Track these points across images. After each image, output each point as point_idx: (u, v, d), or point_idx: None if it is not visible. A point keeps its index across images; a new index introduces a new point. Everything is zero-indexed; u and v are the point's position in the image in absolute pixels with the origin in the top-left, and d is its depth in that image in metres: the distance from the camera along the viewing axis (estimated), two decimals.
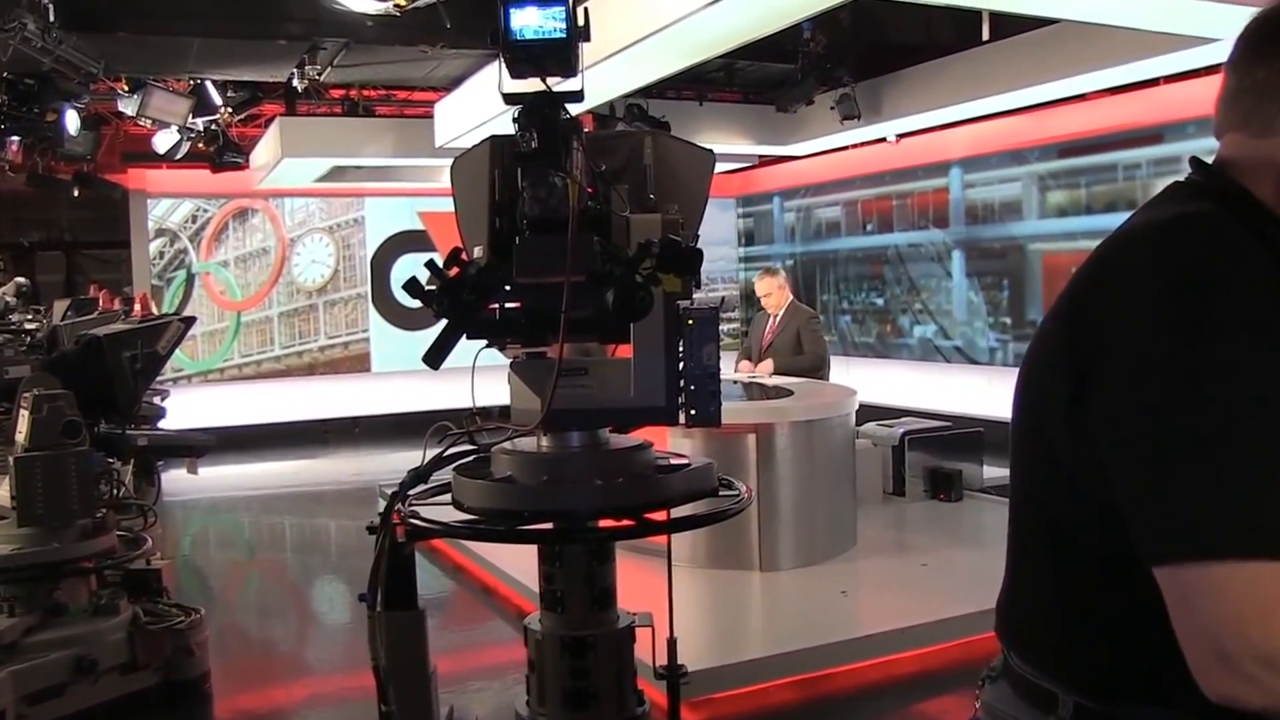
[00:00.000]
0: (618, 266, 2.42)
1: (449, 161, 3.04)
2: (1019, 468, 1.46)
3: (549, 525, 2.73)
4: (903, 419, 8.56)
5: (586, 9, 2.56)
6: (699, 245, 2.64)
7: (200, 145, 11.37)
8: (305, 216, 14.23)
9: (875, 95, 10.37)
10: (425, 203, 14.10)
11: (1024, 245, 10.94)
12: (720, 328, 2.83)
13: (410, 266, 14.27)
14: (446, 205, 3.03)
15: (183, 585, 7.32)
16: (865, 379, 12.36)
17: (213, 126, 11.12)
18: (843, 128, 10.54)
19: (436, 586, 7.05)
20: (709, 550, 6.28)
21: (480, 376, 2.79)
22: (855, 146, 12.21)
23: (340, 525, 10.01)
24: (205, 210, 13.79)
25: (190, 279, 13.75)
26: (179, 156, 11.25)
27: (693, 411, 2.69)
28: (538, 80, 2.54)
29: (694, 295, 2.77)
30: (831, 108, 10.31)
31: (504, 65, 2.53)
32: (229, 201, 13.81)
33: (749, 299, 11.83)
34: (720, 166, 13.80)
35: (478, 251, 2.78)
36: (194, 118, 10.19)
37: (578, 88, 2.56)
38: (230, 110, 10.87)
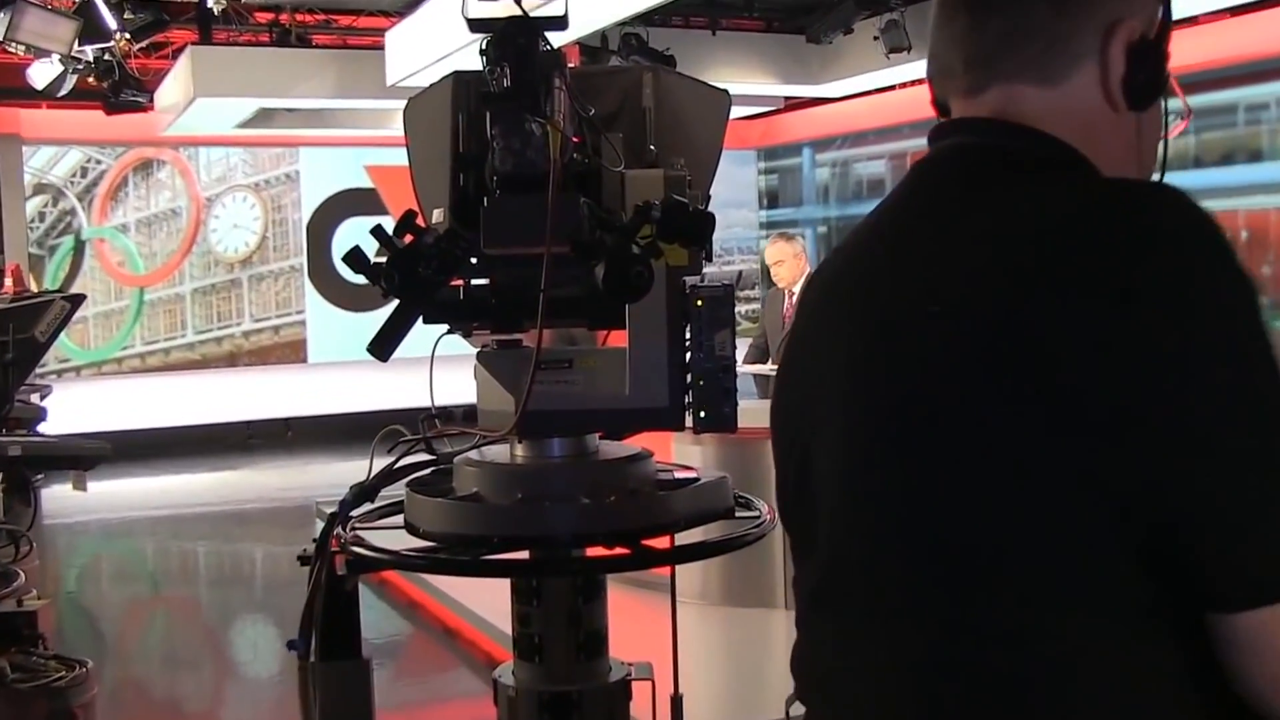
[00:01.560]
0: (609, 234, 2.41)
1: (403, 103, 3.03)
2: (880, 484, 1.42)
3: (524, 554, 2.72)
4: None
5: None
6: (710, 208, 2.63)
7: (91, 80, 11.30)
8: (225, 171, 14.26)
9: (929, 21, 10.33)
10: (374, 154, 14.14)
11: None
12: (737, 309, 2.82)
13: (356, 233, 14.27)
14: (400, 158, 3.02)
15: (65, 631, 7.32)
16: None
17: (106, 56, 11.06)
18: (888, 62, 10.51)
19: (387, 628, 7.07)
20: (723, 583, 6.29)
21: (441, 368, 2.77)
22: (903, 86, 12.21)
23: (268, 553, 10.04)
24: (98, 162, 13.82)
25: (79, 247, 13.78)
26: (63, 93, 11.16)
27: (702, 413, 2.69)
28: (510, 2, 2.53)
29: (704, 270, 2.77)
30: (875, 37, 10.28)
31: None
32: (128, 151, 13.84)
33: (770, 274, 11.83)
34: (737, 111, 13.73)
35: (437, 215, 2.77)
36: (81, 45, 10.10)
37: (560, 11, 2.55)
38: (128, 36, 10.81)
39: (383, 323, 2.43)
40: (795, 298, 8.33)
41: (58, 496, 8.65)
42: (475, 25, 2.53)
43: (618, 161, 2.67)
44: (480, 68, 2.53)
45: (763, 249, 15.34)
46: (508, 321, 2.75)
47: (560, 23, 2.57)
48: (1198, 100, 10.06)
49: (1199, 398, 1.21)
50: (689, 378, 2.71)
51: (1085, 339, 1.24)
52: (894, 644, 1.39)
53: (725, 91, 3.18)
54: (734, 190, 15.40)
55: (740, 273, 15.52)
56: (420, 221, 2.54)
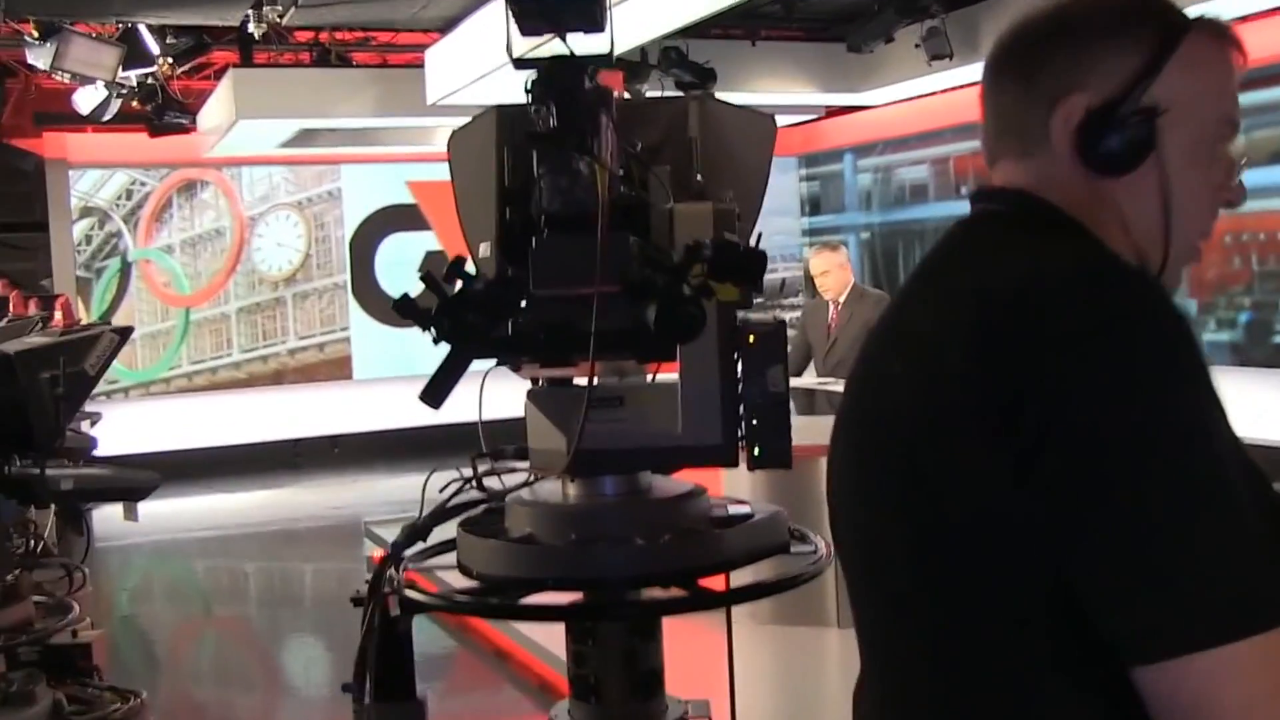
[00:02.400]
0: (660, 274, 2.38)
1: (442, 121, 3.03)
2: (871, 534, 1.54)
3: (578, 595, 2.70)
4: None
5: None
6: (760, 238, 2.61)
7: (134, 103, 11.40)
8: (268, 190, 14.32)
9: (971, 27, 10.27)
10: (415, 169, 14.14)
11: None
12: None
13: (398, 248, 14.34)
14: (442, 172, 3.01)
15: (120, 657, 7.36)
16: None
17: (149, 80, 11.14)
18: (930, 69, 10.45)
19: (436, 648, 7.05)
20: (774, 602, 6.24)
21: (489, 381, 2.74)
22: (946, 91, 12.14)
23: (318, 570, 10.08)
24: (143, 184, 13.89)
25: (126, 269, 13.85)
26: (108, 117, 11.26)
27: (756, 451, 2.66)
28: (555, 39, 2.51)
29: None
30: (916, 45, 10.21)
31: (512, 19, 2.50)
32: (172, 172, 13.91)
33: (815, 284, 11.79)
34: (779, 119, 13.69)
35: (483, 249, 2.75)
36: (125, 70, 10.18)
37: (605, 49, 2.53)
38: (170, 61, 10.89)
39: (434, 370, 2.40)
40: (839, 309, 8.27)
41: (108, 518, 8.66)
42: (520, 64, 2.51)
43: (666, 198, 2.65)
44: (524, 101, 2.51)
45: (805, 256, 15.31)
46: (557, 356, 2.73)
47: (605, 60, 2.54)
48: (1253, 98, 9.95)
49: (1106, 463, 1.27)
50: (742, 413, 2.68)
51: (1000, 401, 1.32)
52: (870, 683, 1.59)
53: (771, 117, 3.16)
54: (775, 197, 15.26)
55: (784, 280, 15.46)
56: (466, 255, 2.52)
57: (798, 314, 15.23)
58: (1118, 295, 1.33)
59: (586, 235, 2.36)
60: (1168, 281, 1.53)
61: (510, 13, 2.48)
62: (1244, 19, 9.42)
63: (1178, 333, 1.31)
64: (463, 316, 2.35)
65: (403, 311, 2.38)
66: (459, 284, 2.39)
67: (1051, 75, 1.50)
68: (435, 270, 2.49)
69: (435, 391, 2.38)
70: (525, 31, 2.51)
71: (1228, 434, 1.30)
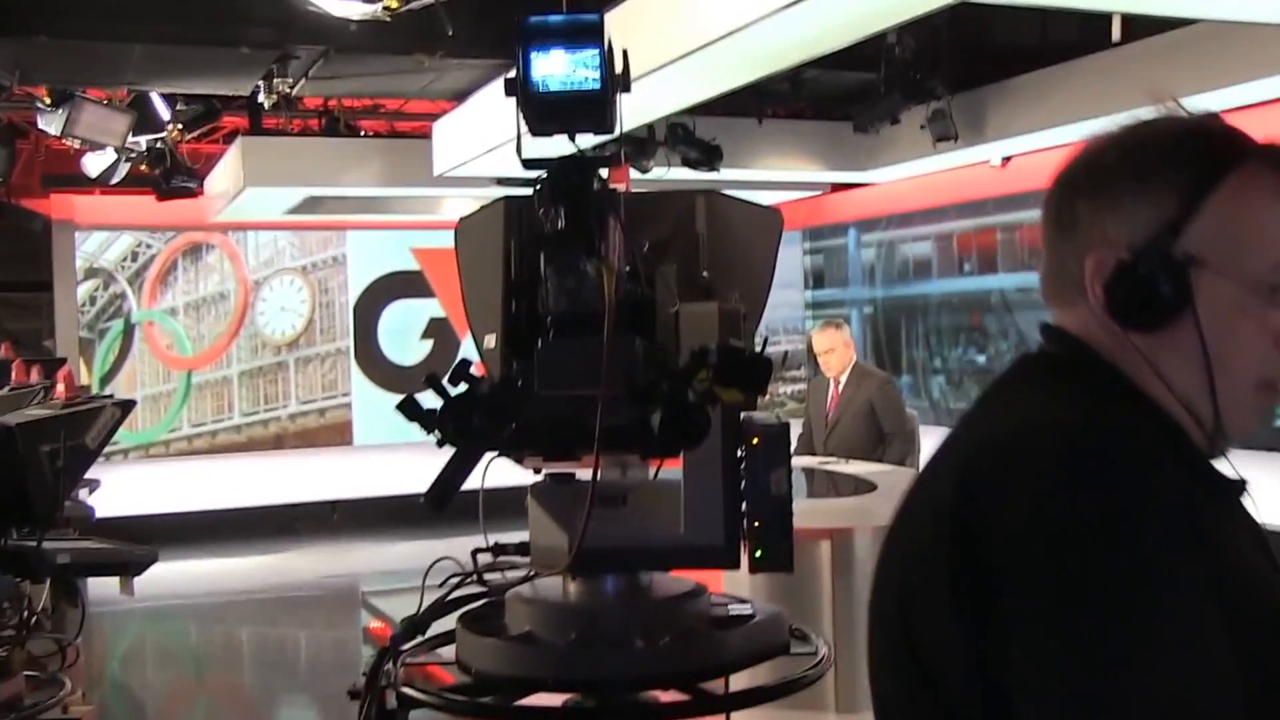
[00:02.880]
0: (666, 379, 2.39)
1: (448, 193, 3.05)
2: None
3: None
4: None
5: (626, 52, 2.54)
6: (765, 343, 2.61)
7: (142, 167, 11.44)
8: (273, 254, 14.35)
9: (977, 110, 10.34)
10: (420, 237, 14.21)
11: None
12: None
13: (402, 314, 14.35)
14: (447, 240, 3.02)
15: None
16: None
17: (158, 145, 11.19)
18: (935, 150, 10.53)
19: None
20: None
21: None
22: (950, 170, 12.20)
23: (314, 638, 10.00)
24: (148, 246, 13.93)
25: (129, 330, 13.86)
26: (116, 180, 11.31)
27: (758, 553, 2.65)
28: (565, 139, 2.53)
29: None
30: (922, 126, 10.29)
31: (523, 122, 2.52)
32: (178, 235, 13.95)
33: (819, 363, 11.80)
34: (782, 195, 13.83)
35: (489, 341, 2.76)
36: (135, 135, 10.23)
37: (611, 151, 2.55)
38: (180, 127, 10.95)
39: (439, 472, 2.40)
40: (840, 388, 8.21)
41: (105, 581, 8.64)
42: (530, 164, 2.53)
43: (672, 301, 2.66)
44: (531, 193, 2.53)
45: (808, 330, 15.33)
46: (560, 451, 2.73)
47: (614, 160, 2.56)
48: None
49: (1031, 648, 1.22)
50: (744, 515, 2.68)
51: (953, 554, 1.29)
52: None
53: (777, 212, 3.18)
54: (781, 270, 15.11)
55: (786, 353, 15.41)
56: (474, 367, 2.52)
57: (802, 386, 15.29)
58: (1082, 465, 1.25)
59: (592, 338, 2.37)
60: (1222, 437, 1.43)
61: (523, 116, 2.49)
62: (1253, 106, 9.49)
63: (1142, 522, 1.22)
64: (468, 419, 2.35)
65: (408, 413, 2.38)
66: (464, 385, 2.39)
67: (1085, 223, 1.44)
68: (437, 358, 2.49)
69: (440, 493, 2.38)
70: (535, 132, 2.53)
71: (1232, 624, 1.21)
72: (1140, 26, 8.65)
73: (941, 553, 1.31)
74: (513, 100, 2.51)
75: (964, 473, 1.34)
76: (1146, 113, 1.49)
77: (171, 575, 11.30)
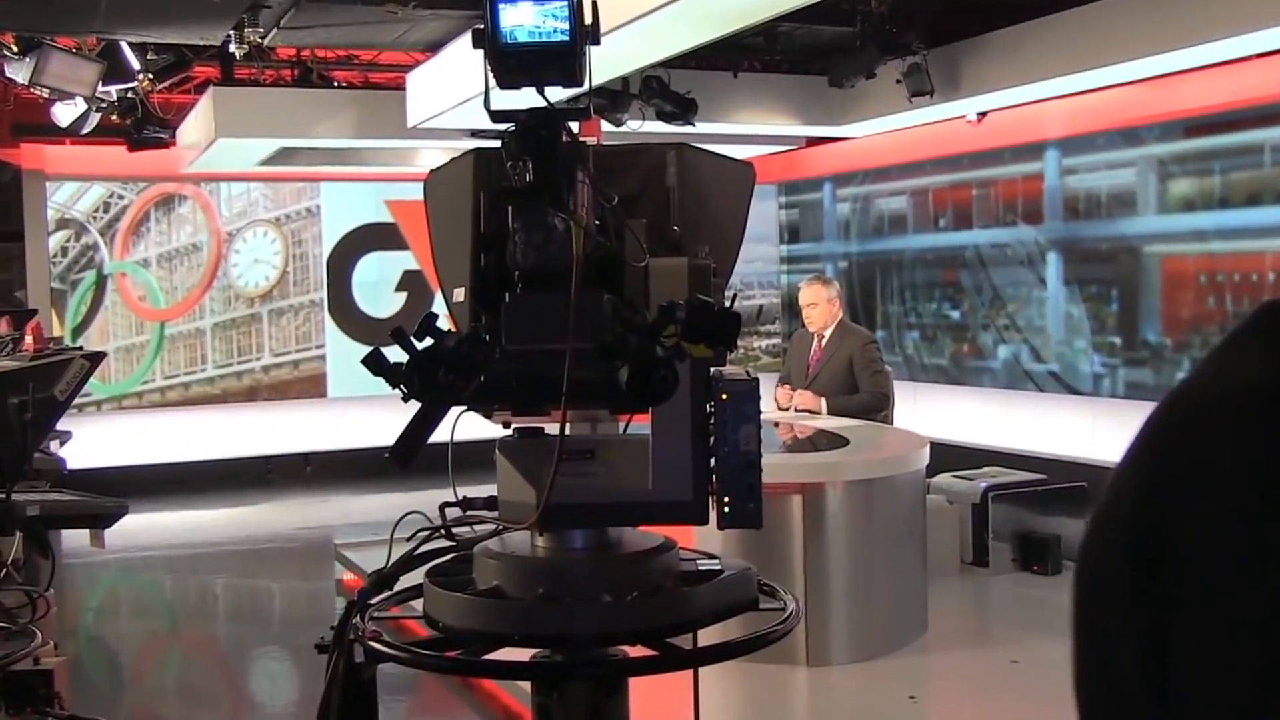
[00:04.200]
0: (633, 335, 2.37)
1: (422, 144, 3.02)
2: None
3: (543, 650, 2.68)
4: (985, 468, 8.50)
5: (596, 4, 2.52)
6: (735, 298, 2.59)
7: (113, 117, 11.35)
8: (246, 205, 14.26)
9: (952, 65, 10.32)
10: (394, 189, 14.15)
11: (1138, 247, 10.84)
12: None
13: (376, 267, 14.30)
14: (421, 192, 2.99)
15: (85, 679, 7.27)
16: (937, 411, 12.33)
17: (129, 95, 11.10)
18: (910, 105, 10.51)
19: (400, 670, 7.00)
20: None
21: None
22: (926, 125, 12.19)
23: (287, 590, 10.01)
24: (120, 197, 13.82)
25: (101, 281, 13.77)
26: (86, 131, 11.21)
27: (726, 509, 2.64)
28: (533, 92, 2.50)
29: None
30: (897, 81, 10.26)
31: (491, 74, 2.49)
32: (150, 186, 13.84)
33: (792, 309, 11.77)
34: (758, 148, 13.80)
35: (457, 294, 2.74)
36: (105, 85, 10.12)
37: (583, 104, 2.52)
38: (151, 77, 10.86)
39: (404, 428, 2.38)
40: (823, 343, 8.19)
41: (77, 533, 8.63)
42: (497, 116, 2.50)
43: (641, 255, 2.64)
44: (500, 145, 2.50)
45: (784, 284, 15.34)
46: (529, 405, 2.71)
47: (583, 113, 2.54)
48: (1224, 141, 9.97)
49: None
50: (712, 470, 2.67)
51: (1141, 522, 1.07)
52: None
53: (749, 166, 3.14)
54: (755, 224, 15.23)
55: (761, 307, 15.47)
56: (440, 320, 2.50)
57: (778, 341, 15.31)
58: None
59: (560, 293, 2.36)
60: None
61: (491, 68, 2.47)
62: (1226, 63, 9.49)
63: None
64: (433, 374, 2.33)
65: (374, 368, 2.36)
66: (430, 340, 2.37)
67: None
68: (411, 311, 2.47)
69: (404, 450, 2.37)
70: (503, 85, 2.51)
71: None
72: None
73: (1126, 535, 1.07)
74: (482, 52, 2.48)
75: (1156, 426, 1.11)
76: None
77: (144, 527, 11.32)
